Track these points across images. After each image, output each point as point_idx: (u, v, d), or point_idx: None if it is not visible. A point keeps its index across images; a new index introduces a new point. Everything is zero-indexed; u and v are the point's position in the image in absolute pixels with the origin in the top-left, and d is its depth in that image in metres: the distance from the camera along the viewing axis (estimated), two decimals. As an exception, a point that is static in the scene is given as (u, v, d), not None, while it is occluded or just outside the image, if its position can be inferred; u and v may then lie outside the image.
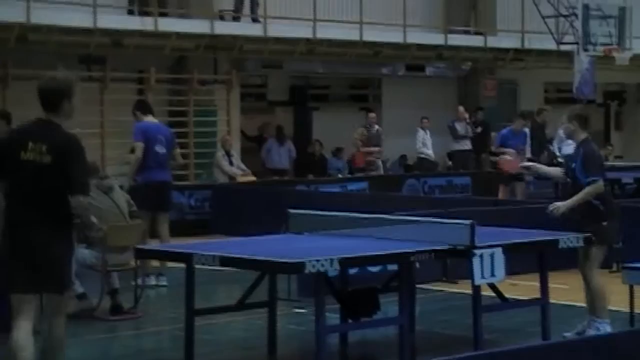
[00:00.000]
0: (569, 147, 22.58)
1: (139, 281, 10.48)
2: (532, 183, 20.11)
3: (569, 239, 8.58)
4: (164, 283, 11.83)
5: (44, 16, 18.15)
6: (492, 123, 25.08)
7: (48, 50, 18.15)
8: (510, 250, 8.20)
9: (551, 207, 8.96)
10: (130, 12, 20.07)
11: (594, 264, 8.88)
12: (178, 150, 13.04)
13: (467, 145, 22.86)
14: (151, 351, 9.14)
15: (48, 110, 6.67)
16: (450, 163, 23.93)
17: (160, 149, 12.15)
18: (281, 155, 22.07)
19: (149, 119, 12.39)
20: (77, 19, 18.58)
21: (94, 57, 19.40)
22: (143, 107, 12.63)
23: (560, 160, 21.07)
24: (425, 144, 22.53)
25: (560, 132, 22.75)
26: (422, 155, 22.65)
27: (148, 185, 11.97)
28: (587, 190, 8.77)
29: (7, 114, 12.66)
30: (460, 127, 22.71)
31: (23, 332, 6.55)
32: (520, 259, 9.13)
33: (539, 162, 17.79)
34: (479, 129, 22.83)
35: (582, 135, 9.02)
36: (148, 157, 12.05)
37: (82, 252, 10.18)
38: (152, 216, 11.99)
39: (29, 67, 18.22)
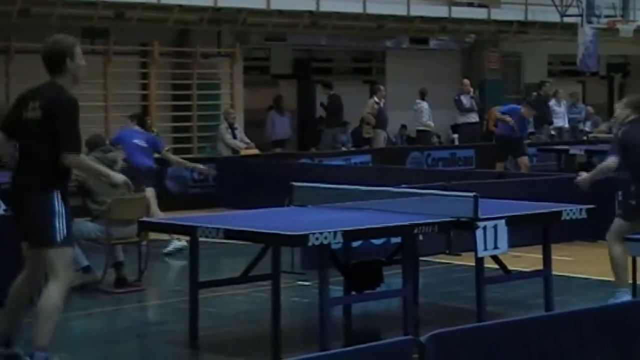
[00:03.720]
0: (559, 120, 22.74)
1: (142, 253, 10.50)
2: (535, 156, 20.12)
3: (572, 211, 8.59)
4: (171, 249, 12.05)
5: (46, -11, 18.12)
6: (497, 96, 25.10)
7: (51, 23, 18.10)
8: (513, 223, 8.21)
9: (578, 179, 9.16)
10: (133, -15, 20.02)
11: (614, 234, 8.93)
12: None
13: (474, 118, 22.85)
14: (155, 324, 9.18)
15: (52, 73, 6.86)
16: (454, 136, 23.92)
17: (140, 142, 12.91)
18: (283, 125, 22.10)
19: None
20: (79, -9, 18.56)
21: (97, 30, 19.37)
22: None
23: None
24: (430, 116, 22.58)
25: (552, 104, 22.89)
26: (428, 128, 22.66)
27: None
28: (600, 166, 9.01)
29: None
30: (465, 100, 22.69)
31: (14, 282, 6.97)
32: (523, 231, 9.14)
33: (541, 136, 18.13)
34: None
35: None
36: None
37: (87, 225, 10.22)
38: None
39: (32, 41, 18.15)
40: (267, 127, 22.10)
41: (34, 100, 6.78)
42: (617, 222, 8.97)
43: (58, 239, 6.67)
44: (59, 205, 6.69)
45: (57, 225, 6.66)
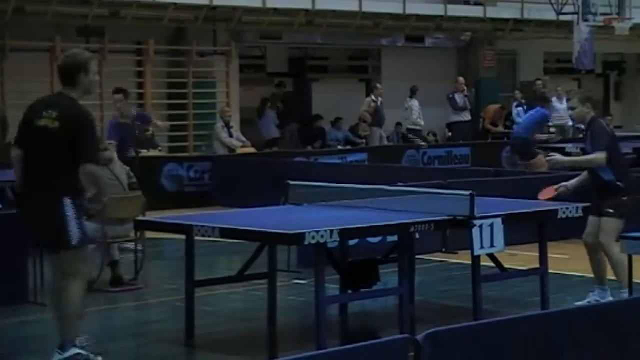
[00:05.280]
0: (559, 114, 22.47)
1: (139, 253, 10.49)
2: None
3: (567, 209, 8.60)
4: None
5: (41, -13, 18.09)
6: (492, 94, 25.10)
7: (46, 21, 18.10)
8: (509, 221, 8.21)
9: (559, 187, 9.03)
10: (128, -17, 19.99)
11: (612, 236, 8.82)
12: None
13: (466, 116, 22.84)
14: (152, 322, 9.17)
15: (65, 84, 7.18)
16: (449, 134, 23.92)
17: None
18: (266, 126, 22.02)
19: None
20: (74, -11, 18.53)
21: (92, 28, 19.34)
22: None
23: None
24: (420, 115, 22.57)
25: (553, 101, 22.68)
26: (418, 127, 22.64)
27: None
28: (588, 157, 8.82)
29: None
30: (459, 99, 22.68)
31: (53, 292, 7.32)
32: (519, 229, 9.15)
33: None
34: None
35: (591, 115, 9.04)
36: None
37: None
38: None
39: (27, 39, 18.20)
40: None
41: (47, 110, 7.07)
42: (614, 222, 8.85)
43: (73, 242, 7.03)
44: (70, 209, 7.00)
45: (72, 228, 7.00)
